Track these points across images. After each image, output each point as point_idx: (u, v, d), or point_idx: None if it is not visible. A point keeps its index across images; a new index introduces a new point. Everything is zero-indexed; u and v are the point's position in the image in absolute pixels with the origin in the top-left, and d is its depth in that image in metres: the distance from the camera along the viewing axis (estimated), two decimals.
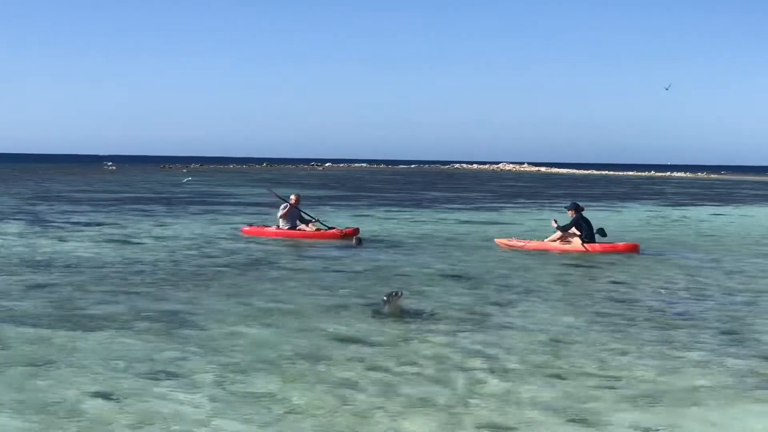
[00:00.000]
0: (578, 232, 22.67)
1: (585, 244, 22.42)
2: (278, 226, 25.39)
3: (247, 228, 26.14)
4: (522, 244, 23.25)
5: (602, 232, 23.05)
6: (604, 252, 22.18)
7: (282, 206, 25.73)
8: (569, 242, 22.71)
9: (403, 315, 13.12)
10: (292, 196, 26.14)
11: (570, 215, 23.05)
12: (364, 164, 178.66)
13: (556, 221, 23.51)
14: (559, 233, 22.88)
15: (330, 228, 25.58)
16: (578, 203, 23.92)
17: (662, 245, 24.98)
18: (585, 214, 23.20)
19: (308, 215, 26.09)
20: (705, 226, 33.66)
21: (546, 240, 23.32)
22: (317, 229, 25.19)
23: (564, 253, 22.19)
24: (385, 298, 13.39)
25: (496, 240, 24.35)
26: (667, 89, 74.24)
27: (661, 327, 12.92)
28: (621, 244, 22.99)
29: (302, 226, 25.34)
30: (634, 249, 22.52)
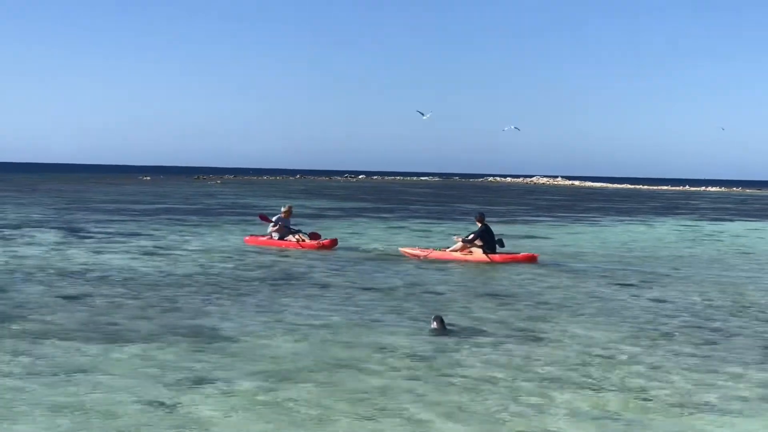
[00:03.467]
0: (480, 243, 23.08)
1: (488, 255, 22.83)
2: (270, 236, 26.68)
3: (248, 237, 27.50)
4: (424, 254, 23.61)
5: (501, 242, 23.48)
6: (504, 262, 22.61)
7: (273, 220, 26.91)
8: (471, 252, 23.12)
9: (440, 331, 13.11)
10: (284, 208, 27.44)
11: (477, 224, 23.64)
12: (398, 176, 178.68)
13: (455, 236, 24.49)
14: (460, 244, 23.34)
15: (310, 240, 26.42)
16: (483, 213, 24.48)
17: (698, 261, 24.83)
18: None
19: (293, 228, 27.04)
20: (741, 241, 33.41)
21: (447, 250, 23.70)
22: (298, 241, 26.17)
23: (466, 263, 22.57)
24: (434, 325, 13.32)
25: (400, 249, 24.75)
26: (723, 129, 72.84)
27: (698, 342, 12.88)
28: (520, 254, 23.40)
29: (290, 237, 26.42)
30: (532, 259, 22.91)
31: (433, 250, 24.03)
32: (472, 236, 23.43)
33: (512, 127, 67.62)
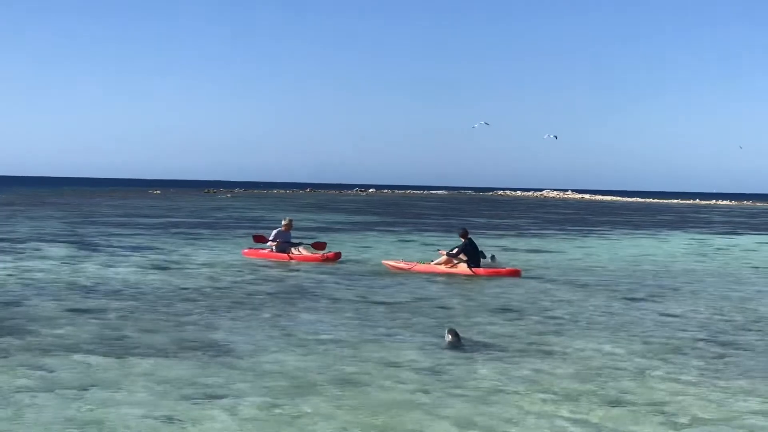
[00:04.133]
0: (465, 258, 23.34)
1: (472, 268, 23.08)
2: (271, 250, 26.78)
3: (246, 250, 27.61)
4: (408, 266, 23.77)
5: (483, 254, 23.92)
6: (488, 276, 22.84)
7: (273, 233, 27.14)
8: (455, 266, 23.42)
9: (455, 344, 13.12)
10: (284, 221, 27.67)
11: (461, 239, 23.90)
12: (407, 190, 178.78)
13: (440, 250, 24.70)
14: (445, 257, 23.61)
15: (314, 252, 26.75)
16: (467, 229, 24.82)
17: (708, 275, 24.79)
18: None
19: (294, 241, 27.28)
20: (752, 255, 33.35)
21: (432, 263, 23.89)
22: (302, 254, 26.40)
23: (451, 276, 22.77)
24: (449, 338, 13.33)
25: (383, 261, 24.97)
26: (556, 137, 72.03)
27: (708, 356, 12.89)
28: (504, 269, 23.68)
29: (292, 250, 26.57)
30: (515, 274, 23.11)
31: (418, 263, 24.19)
32: (456, 250, 23.70)
33: (482, 123, 67.42)
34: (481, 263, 23.61)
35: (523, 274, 23.08)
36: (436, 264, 23.72)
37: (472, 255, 23.48)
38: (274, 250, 26.61)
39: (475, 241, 24.29)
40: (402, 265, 24.04)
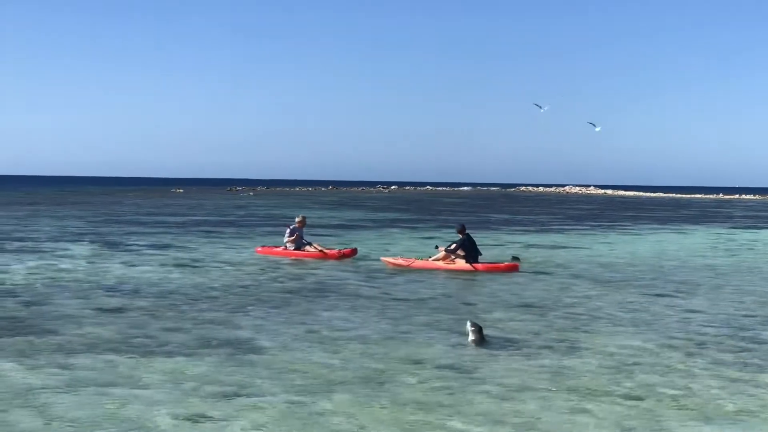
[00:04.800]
0: (462, 253, 23.46)
1: (471, 264, 23.24)
2: (285, 247, 26.98)
3: (260, 248, 27.84)
4: (407, 263, 23.91)
5: (479, 251, 24.00)
6: (487, 271, 23.00)
7: (289, 230, 27.16)
8: (453, 262, 23.52)
9: (476, 343, 13.12)
10: (298, 219, 27.76)
11: (459, 235, 23.99)
12: (428, 187, 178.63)
13: (437, 246, 24.67)
14: (443, 253, 23.72)
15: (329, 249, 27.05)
16: (464, 224, 24.86)
17: (732, 270, 24.68)
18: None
19: (305, 240, 27.32)
20: None
21: (431, 259, 24.03)
22: (320, 251, 26.56)
23: (450, 272, 22.87)
24: (471, 330, 13.32)
25: (381, 258, 25.07)
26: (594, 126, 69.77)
27: (733, 350, 12.86)
28: (503, 264, 23.80)
29: (307, 247, 26.80)
30: (514, 268, 23.30)
31: (416, 259, 24.28)
32: (454, 246, 23.79)
33: (547, 107, 66.91)
34: (510, 260, 23.58)
35: (543, 269, 23.03)
36: (434, 260, 23.84)
37: (470, 250, 23.60)
38: (290, 248, 26.75)
39: (473, 237, 24.38)
40: (400, 261, 24.18)
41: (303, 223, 27.58)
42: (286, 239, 27.07)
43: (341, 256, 26.01)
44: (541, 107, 64.31)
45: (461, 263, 23.32)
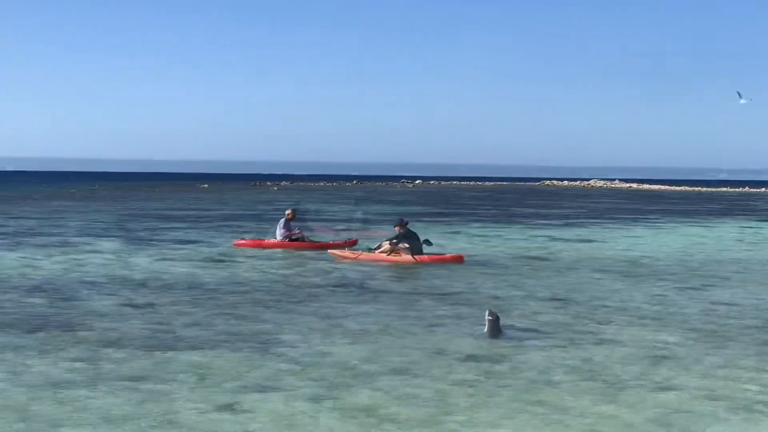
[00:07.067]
0: (407, 245, 23.64)
1: (415, 256, 23.35)
2: (275, 238, 27.72)
3: (241, 241, 28.45)
4: (354, 256, 24.14)
5: (428, 242, 24.19)
6: (431, 262, 23.12)
7: (281, 222, 27.81)
8: (399, 254, 23.69)
9: (498, 334, 13.14)
10: (288, 211, 28.59)
11: (397, 230, 24.18)
12: (454, 181, 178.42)
13: (386, 241, 24.52)
14: (388, 246, 23.90)
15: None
16: (403, 219, 25.16)
17: (758, 263, 24.57)
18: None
19: (295, 231, 27.92)
20: None
21: (376, 252, 24.17)
22: (312, 241, 27.78)
23: (395, 264, 23.00)
24: (489, 317, 13.36)
25: (329, 251, 25.40)
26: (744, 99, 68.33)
27: (760, 342, 12.88)
28: (448, 255, 24.05)
29: (297, 238, 27.61)
30: (459, 260, 23.45)
31: (362, 252, 24.52)
32: (395, 240, 23.96)
33: (750, 99, 66.99)
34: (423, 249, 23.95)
35: (569, 263, 22.94)
36: (380, 253, 24.02)
37: (413, 243, 23.78)
38: (278, 238, 27.49)
39: (413, 230, 24.57)
40: (347, 254, 24.47)
41: (293, 216, 28.19)
42: (278, 231, 27.65)
43: (347, 246, 26.30)
44: (741, 97, 64.31)
45: (406, 256, 23.50)
